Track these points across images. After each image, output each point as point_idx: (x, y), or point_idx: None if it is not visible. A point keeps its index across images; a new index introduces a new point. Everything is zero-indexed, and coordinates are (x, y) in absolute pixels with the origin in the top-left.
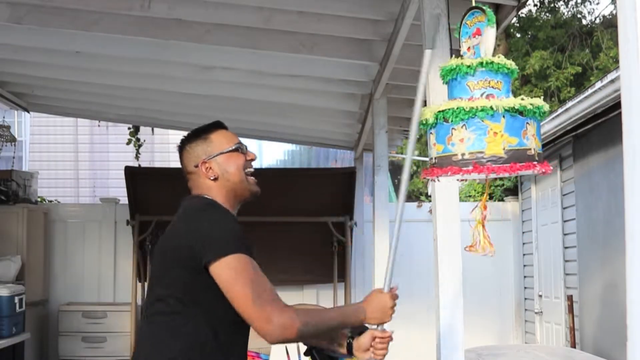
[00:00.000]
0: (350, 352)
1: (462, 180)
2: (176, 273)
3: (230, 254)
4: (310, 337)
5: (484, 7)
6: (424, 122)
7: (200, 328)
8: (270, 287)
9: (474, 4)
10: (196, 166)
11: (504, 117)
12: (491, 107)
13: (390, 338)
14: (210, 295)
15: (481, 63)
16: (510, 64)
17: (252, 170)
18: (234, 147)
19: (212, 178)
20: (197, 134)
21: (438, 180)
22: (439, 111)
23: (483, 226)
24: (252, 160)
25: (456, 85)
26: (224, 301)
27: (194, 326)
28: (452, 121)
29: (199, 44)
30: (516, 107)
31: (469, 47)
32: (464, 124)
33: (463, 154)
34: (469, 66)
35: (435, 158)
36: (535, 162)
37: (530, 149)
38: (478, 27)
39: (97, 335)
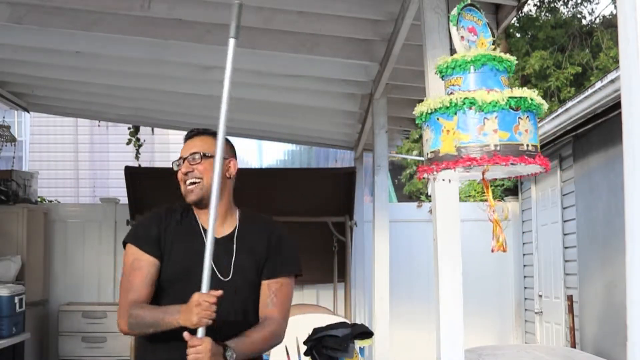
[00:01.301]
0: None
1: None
2: None
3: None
4: (141, 331)
5: (478, 7)
6: (420, 114)
7: None
8: (130, 279)
9: (469, 1)
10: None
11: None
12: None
13: (216, 302)
14: None
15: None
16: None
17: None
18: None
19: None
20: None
21: (434, 175)
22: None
23: (499, 225)
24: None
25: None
26: None
27: None
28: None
29: (199, 44)
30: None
31: (462, 37)
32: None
33: (427, 153)
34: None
35: (429, 153)
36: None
37: (522, 144)
38: (474, 26)
39: (97, 335)
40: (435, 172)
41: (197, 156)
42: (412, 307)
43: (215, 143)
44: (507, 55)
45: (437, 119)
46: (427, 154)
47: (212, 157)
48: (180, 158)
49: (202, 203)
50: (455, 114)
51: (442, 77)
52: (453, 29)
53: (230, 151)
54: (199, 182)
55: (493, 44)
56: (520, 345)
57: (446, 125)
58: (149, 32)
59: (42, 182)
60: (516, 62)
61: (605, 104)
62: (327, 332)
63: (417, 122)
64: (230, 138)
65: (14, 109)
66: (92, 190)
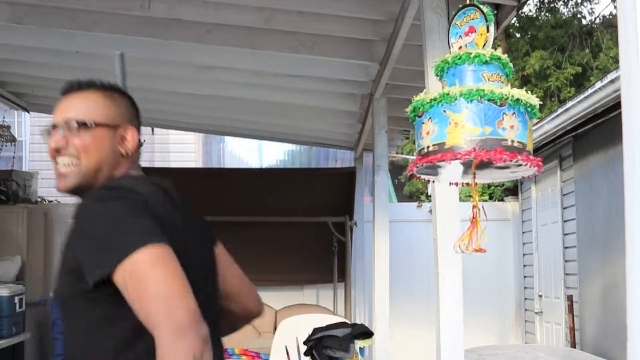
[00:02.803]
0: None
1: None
2: None
3: None
4: None
5: (479, 5)
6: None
7: None
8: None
9: (468, 2)
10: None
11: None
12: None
13: None
14: None
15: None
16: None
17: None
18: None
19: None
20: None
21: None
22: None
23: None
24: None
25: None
26: None
27: None
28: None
29: (199, 44)
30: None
31: (460, 47)
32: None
33: (428, 147)
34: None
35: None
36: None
37: (506, 140)
38: (471, 25)
39: None
40: (437, 163)
41: (73, 124)
42: (412, 307)
43: (107, 101)
44: (502, 55)
45: (444, 111)
46: (428, 146)
47: (98, 125)
48: (51, 125)
49: (81, 192)
50: (466, 107)
51: (440, 78)
52: (453, 46)
53: (125, 114)
54: (76, 163)
55: (488, 31)
56: (520, 345)
57: (454, 118)
58: (149, 32)
59: (42, 182)
60: (509, 60)
61: (605, 104)
62: (327, 332)
63: (411, 115)
64: (231, 138)
65: (14, 109)
66: None
